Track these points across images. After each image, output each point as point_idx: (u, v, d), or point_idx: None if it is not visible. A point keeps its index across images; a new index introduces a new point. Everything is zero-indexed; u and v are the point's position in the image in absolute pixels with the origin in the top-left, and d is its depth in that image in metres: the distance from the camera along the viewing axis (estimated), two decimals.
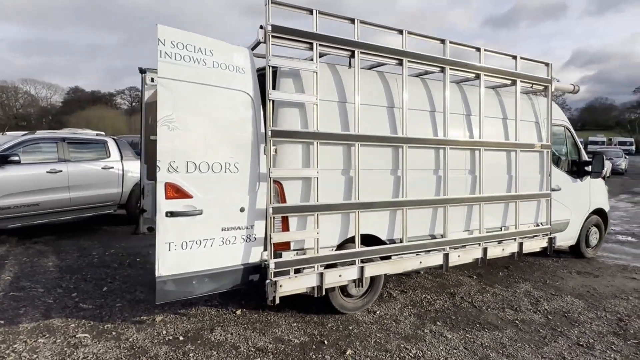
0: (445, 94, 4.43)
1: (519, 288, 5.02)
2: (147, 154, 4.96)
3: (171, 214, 3.08)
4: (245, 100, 3.43)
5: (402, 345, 3.52)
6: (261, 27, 3.43)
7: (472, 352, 3.45)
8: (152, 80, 4.81)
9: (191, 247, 3.20)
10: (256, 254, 3.55)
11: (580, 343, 3.65)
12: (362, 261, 3.89)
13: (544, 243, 5.30)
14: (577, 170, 6.07)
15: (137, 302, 4.27)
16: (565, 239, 5.93)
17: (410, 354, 3.39)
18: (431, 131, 4.45)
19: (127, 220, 8.23)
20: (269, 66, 3.40)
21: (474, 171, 4.73)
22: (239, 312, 4.10)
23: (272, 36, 3.41)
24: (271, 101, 3.42)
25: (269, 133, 3.40)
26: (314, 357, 3.29)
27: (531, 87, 5.34)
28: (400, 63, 4.15)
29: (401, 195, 4.15)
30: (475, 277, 5.39)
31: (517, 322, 4.06)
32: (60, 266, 5.45)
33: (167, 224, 3.10)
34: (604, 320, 4.16)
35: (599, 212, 6.39)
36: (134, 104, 72.84)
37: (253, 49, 3.62)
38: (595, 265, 6.02)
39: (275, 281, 3.39)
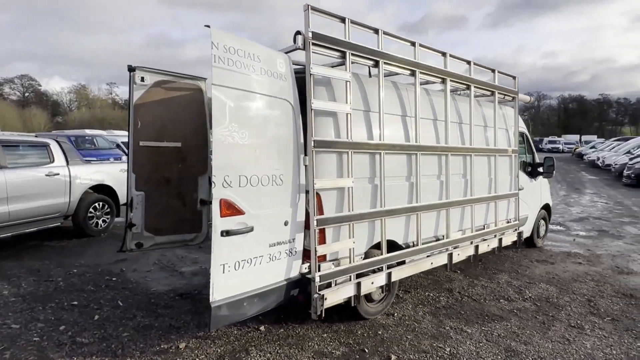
0: (446, 103, 4.72)
1: (500, 279, 5.58)
2: (137, 161, 4.46)
3: (226, 233, 2.84)
4: (288, 109, 3.29)
5: (434, 345, 3.71)
6: (299, 33, 3.32)
7: (496, 343, 3.78)
8: (143, 79, 4.33)
9: (243, 266, 2.99)
10: (296, 268, 3.45)
11: (572, 324, 4.22)
12: (387, 267, 4.00)
13: (515, 237, 5.96)
14: (531, 171, 6.91)
15: (145, 329, 3.83)
16: (525, 232, 6.73)
17: (446, 352, 3.60)
18: (435, 139, 4.72)
19: (73, 233, 7.26)
20: (311, 74, 3.31)
21: (466, 175, 5.13)
22: (262, 328, 3.92)
23: (312, 44, 3.32)
24: (312, 110, 3.33)
25: (312, 143, 3.31)
26: None
27: (503, 97, 5.94)
28: (413, 74, 4.32)
29: (415, 201, 4.34)
30: (459, 272, 5.85)
31: (515, 311, 4.53)
32: (21, 295, 4.62)
33: (222, 245, 2.85)
34: (578, 302, 4.84)
35: (545, 206, 7.36)
36: (27, 94, 63.43)
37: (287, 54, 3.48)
38: (547, 254, 6.93)
39: (322, 294, 3.33)
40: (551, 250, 7.22)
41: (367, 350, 3.57)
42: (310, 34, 3.29)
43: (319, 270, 3.43)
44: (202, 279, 5.30)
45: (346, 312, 4.04)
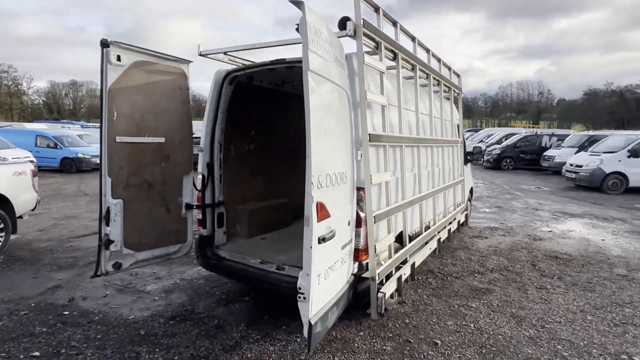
0: (431, 98, 5.03)
1: (459, 256, 6.26)
2: (113, 162, 3.57)
3: (322, 240, 2.52)
4: (347, 100, 3.06)
5: (459, 323, 4.00)
6: (348, 19, 3.11)
7: (501, 312, 4.26)
8: (119, 58, 3.47)
9: (328, 275, 2.71)
10: (351, 268, 3.27)
11: (537, 287, 5.03)
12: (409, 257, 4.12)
13: (463, 218, 6.75)
14: (464, 159, 7.88)
15: None
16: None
17: (472, 327, 3.91)
18: (424, 132, 4.99)
19: None
20: (364, 64, 3.14)
21: (439, 164, 5.57)
22: (298, 339, 3.62)
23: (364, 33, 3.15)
24: (367, 102, 3.18)
25: (367, 137, 3.17)
26: (422, 355, 3.37)
27: (456, 94, 6.61)
28: (414, 68, 4.47)
29: (418, 191, 4.55)
30: None
31: (492, 282, 5.16)
32: None
33: (320, 253, 2.52)
34: (527, 268, 5.78)
35: (470, 189, 8.49)
36: None
37: None
38: (476, 230, 8.03)
39: (384, 292, 3.25)
40: (477, 226, 8.38)
41: (412, 341, 3.63)
42: (362, 21, 3.11)
43: (368, 269, 3.33)
44: (182, 295, 4.57)
45: (366, 307, 4.02)
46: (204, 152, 4.30)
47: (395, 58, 3.95)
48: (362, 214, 3.24)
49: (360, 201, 3.31)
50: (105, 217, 3.58)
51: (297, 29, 2.47)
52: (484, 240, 7.21)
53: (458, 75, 6.79)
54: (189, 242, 4.29)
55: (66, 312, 4.10)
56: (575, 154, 15.73)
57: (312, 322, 2.48)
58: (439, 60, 5.52)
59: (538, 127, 42.19)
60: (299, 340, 3.61)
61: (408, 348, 3.51)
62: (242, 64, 4.44)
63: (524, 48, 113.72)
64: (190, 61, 4.07)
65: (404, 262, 4.01)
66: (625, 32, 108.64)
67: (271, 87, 5.15)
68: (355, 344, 3.54)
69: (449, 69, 6.15)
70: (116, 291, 4.70)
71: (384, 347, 3.50)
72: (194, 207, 4.25)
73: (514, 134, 22.01)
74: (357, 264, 3.34)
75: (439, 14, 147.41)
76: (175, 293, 4.66)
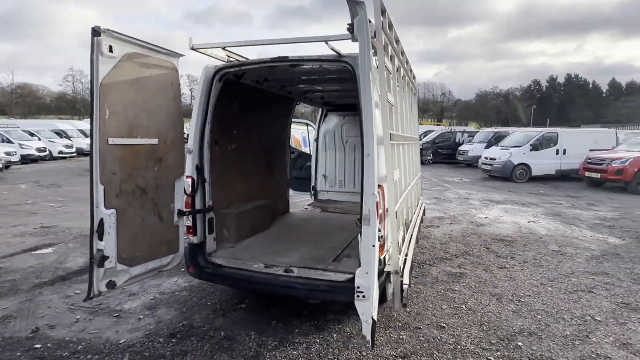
0: (408, 97, 5.33)
1: (423, 244, 6.72)
2: (105, 166, 3.15)
3: (380, 238, 2.54)
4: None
5: (453, 306, 4.34)
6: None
7: (481, 292, 4.73)
8: (111, 49, 3.08)
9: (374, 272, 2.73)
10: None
11: (500, 267, 5.67)
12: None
13: (423, 206, 7.27)
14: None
15: None
16: None
17: (465, 308, 4.29)
18: (407, 130, 5.27)
19: None
20: (385, 66, 3.23)
21: (412, 160, 5.93)
22: (317, 340, 3.60)
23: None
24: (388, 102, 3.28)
25: (388, 136, 3.27)
26: (437, 338, 3.61)
27: (414, 93, 7.04)
28: (400, 71, 4.70)
29: (404, 186, 4.80)
30: None
31: (462, 267, 5.67)
32: None
33: (376, 254, 2.53)
34: (483, 251, 6.44)
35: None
36: None
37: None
38: (427, 220, 8.65)
39: (407, 283, 3.39)
40: (426, 217, 9.07)
41: (421, 327, 3.86)
42: (381, 22, 3.19)
43: (386, 263, 3.45)
44: (169, 310, 4.20)
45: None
46: (192, 154, 3.98)
47: (392, 59, 4.11)
48: (380, 210, 3.34)
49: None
50: (98, 231, 3.13)
51: (350, 30, 2.47)
52: (437, 229, 7.84)
53: (414, 77, 7.26)
54: (181, 252, 3.95)
55: (37, 345, 3.49)
56: (485, 148, 17.83)
57: (375, 319, 2.50)
58: (407, 61, 5.85)
59: (442, 125, 46.52)
60: (318, 341, 3.59)
61: (421, 334, 3.72)
62: (228, 60, 4.20)
63: (424, 53, 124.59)
64: (182, 55, 3.73)
65: (406, 254, 4.21)
66: (503, 44, 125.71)
67: (257, 85, 4.96)
68: (386, 348, 3.63)
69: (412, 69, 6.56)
70: (87, 314, 4.12)
71: (401, 337, 3.67)
72: (187, 213, 3.93)
73: (431, 131, 24.09)
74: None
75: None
76: (161, 309, 4.25)
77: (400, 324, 3.90)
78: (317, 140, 7.86)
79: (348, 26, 2.53)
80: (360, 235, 2.58)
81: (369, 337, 2.48)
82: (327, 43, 3.46)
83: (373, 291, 2.47)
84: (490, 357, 3.35)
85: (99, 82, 3.01)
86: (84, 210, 9.14)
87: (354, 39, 3.09)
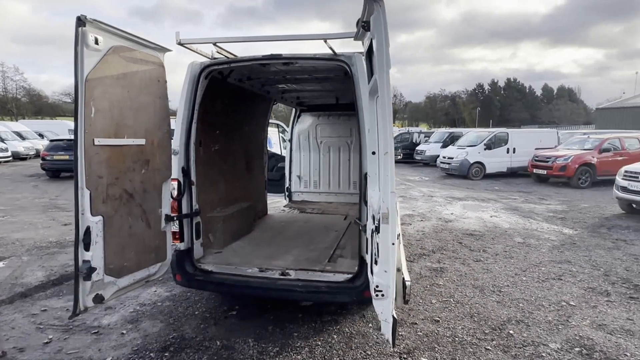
0: None
1: (409, 235, 6.89)
2: (91, 169, 2.88)
3: (398, 236, 2.54)
4: None
5: (441, 300, 4.47)
6: None
7: (465, 285, 4.92)
8: (97, 41, 2.84)
9: None
10: None
11: (476, 260, 5.94)
12: None
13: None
14: None
15: None
16: None
17: (453, 302, 4.43)
18: None
19: None
20: None
21: None
22: (335, 336, 3.54)
23: None
24: None
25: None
26: (434, 332, 3.69)
27: None
28: None
29: None
30: None
31: (441, 260, 5.87)
32: None
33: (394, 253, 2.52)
34: (457, 245, 6.71)
35: None
36: None
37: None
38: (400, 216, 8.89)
39: (409, 280, 3.43)
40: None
41: (417, 322, 3.93)
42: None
43: None
44: (155, 323, 3.93)
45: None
46: (178, 155, 3.76)
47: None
48: None
49: None
50: (84, 240, 2.84)
51: (364, 25, 2.45)
52: (410, 226, 8.06)
53: None
54: (169, 259, 3.71)
55: None
56: (441, 148, 18.66)
57: (396, 317, 2.50)
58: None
59: (396, 126, 48.09)
60: (320, 343, 3.53)
61: (419, 329, 3.79)
62: (212, 57, 4.02)
63: None
64: (169, 49, 3.50)
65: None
66: (449, 49, 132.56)
67: (239, 84, 4.79)
68: (374, 336, 3.65)
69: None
70: (60, 333, 3.75)
71: (400, 333, 3.70)
72: (175, 218, 3.70)
73: None
74: None
75: (301, 20, 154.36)
76: (145, 322, 3.97)
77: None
78: (290, 140, 7.77)
79: (363, 24, 2.50)
80: (377, 234, 2.57)
81: (389, 336, 2.47)
82: (325, 42, 3.43)
83: (392, 289, 2.46)
84: (487, 347, 3.48)
85: (84, 77, 2.74)
86: (33, 219, 8.41)
87: (357, 38, 3.09)
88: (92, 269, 2.88)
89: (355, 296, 3.49)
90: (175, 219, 3.71)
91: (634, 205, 9.47)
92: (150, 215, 3.45)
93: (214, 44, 3.58)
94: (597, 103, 54.44)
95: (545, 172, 13.90)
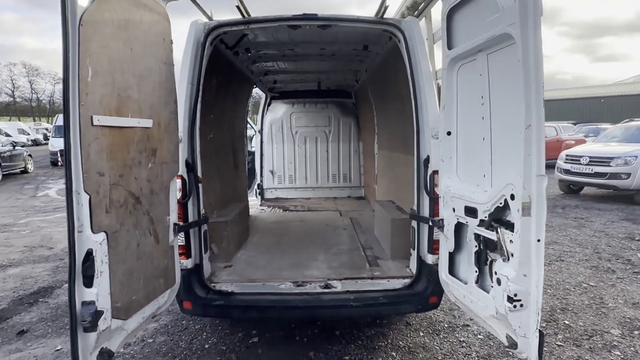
0: None
1: None
2: (90, 164, 1.90)
3: None
4: None
5: None
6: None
7: None
8: None
9: None
10: None
11: None
12: None
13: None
14: None
15: None
16: None
17: None
18: None
19: None
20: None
21: None
22: (382, 342, 2.94)
23: None
24: None
25: None
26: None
27: None
28: None
29: None
30: None
31: None
32: None
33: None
34: None
35: None
36: None
37: None
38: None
39: None
40: None
41: (412, 324, 3.53)
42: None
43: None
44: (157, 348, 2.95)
45: None
46: (182, 143, 2.84)
47: None
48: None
49: (437, 185, 2.92)
50: (84, 272, 1.85)
51: None
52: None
53: None
54: (177, 283, 2.76)
55: None
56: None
57: (543, 332, 2.00)
58: None
59: None
60: (384, 342, 2.92)
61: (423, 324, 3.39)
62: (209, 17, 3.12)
63: None
64: None
65: None
66: None
67: (233, 58, 3.89)
68: (437, 347, 3.15)
69: None
70: None
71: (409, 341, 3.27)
72: (184, 227, 2.77)
73: None
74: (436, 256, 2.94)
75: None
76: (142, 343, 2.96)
77: (446, 325, 3.50)
78: (261, 131, 6.91)
79: None
80: (500, 229, 2.06)
81: (530, 356, 1.98)
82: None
83: (533, 297, 1.97)
84: (558, 343, 3.20)
85: (76, 19, 1.75)
86: None
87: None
88: (97, 314, 1.89)
89: (420, 304, 2.94)
90: (184, 228, 2.78)
91: (572, 186, 10.42)
92: (158, 226, 2.48)
93: None
94: None
95: None
